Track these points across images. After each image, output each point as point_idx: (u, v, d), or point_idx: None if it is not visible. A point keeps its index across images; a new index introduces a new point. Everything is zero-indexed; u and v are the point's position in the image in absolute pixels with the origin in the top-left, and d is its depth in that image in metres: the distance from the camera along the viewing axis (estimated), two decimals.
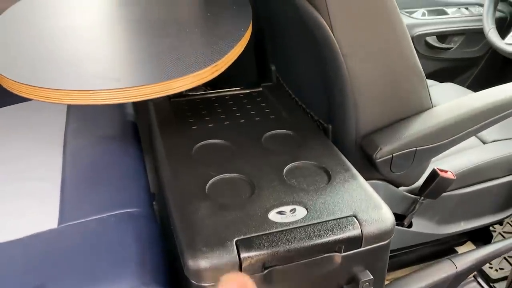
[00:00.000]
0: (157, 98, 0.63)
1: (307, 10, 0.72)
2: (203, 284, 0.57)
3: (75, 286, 0.57)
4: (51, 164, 0.81)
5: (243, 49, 0.69)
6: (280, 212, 0.63)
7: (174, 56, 0.63)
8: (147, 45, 0.69)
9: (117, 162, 0.82)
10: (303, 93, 0.95)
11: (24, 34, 0.76)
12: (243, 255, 0.57)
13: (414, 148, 0.80)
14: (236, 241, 0.58)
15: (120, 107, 1.00)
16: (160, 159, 0.76)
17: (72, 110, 0.98)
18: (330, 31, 0.71)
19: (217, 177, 0.70)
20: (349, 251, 0.62)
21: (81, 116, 0.96)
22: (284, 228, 0.60)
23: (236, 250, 0.57)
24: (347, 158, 0.75)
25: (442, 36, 1.54)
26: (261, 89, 1.00)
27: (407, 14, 1.50)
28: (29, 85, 0.56)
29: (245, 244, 0.57)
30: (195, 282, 0.57)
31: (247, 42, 0.69)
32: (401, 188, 0.93)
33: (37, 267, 0.60)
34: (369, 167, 0.82)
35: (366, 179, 0.71)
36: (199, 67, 0.60)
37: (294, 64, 0.96)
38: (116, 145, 0.87)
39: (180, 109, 0.90)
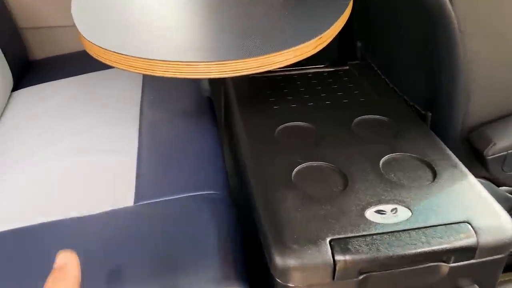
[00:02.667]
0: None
1: None
2: (289, 285, 0.51)
3: (153, 273, 0.53)
4: (127, 137, 0.78)
5: (345, 21, 0.60)
6: (379, 211, 0.55)
7: (273, 28, 0.56)
8: (242, 16, 0.62)
9: (193, 140, 0.77)
10: (398, 74, 0.85)
11: (113, 1, 0.72)
12: (337, 257, 0.50)
13: None
14: (330, 241, 0.51)
15: (195, 81, 0.95)
16: (240, 140, 0.70)
17: (147, 82, 0.95)
18: (448, 3, 0.60)
19: (304, 165, 0.63)
20: (459, 262, 0.53)
21: (156, 88, 0.92)
22: (385, 230, 0.52)
23: (330, 251, 0.50)
24: None
25: None
26: (347, 67, 0.90)
27: None
28: (119, 54, 0.52)
29: (341, 245, 0.50)
30: (281, 282, 0.51)
31: (350, 13, 0.61)
32: (502, 188, 0.81)
33: (113, 247, 0.58)
34: (473, 164, 0.71)
35: None
36: (302, 40, 0.52)
37: (388, 42, 0.85)
38: (192, 121, 0.83)
39: (260, 87, 0.84)
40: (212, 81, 0.97)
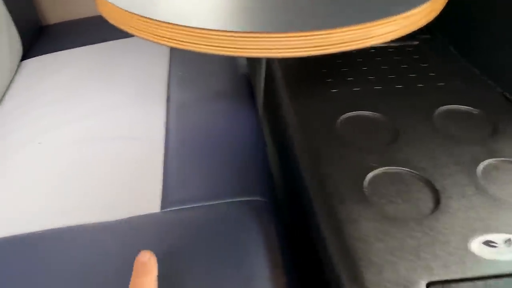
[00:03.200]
0: None
1: None
2: None
3: None
4: (151, 122, 0.65)
5: None
6: (488, 243, 0.41)
7: None
8: None
9: (230, 128, 0.64)
10: (484, 53, 0.68)
11: None
12: None
13: None
14: (428, 285, 0.37)
15: (230, 57, 0.80)
16: (292, 133, 0.56)
17: (175, 52, 0.81)
18: None
19: (378, 170, 0.49)
20: None
21: (185, 62, 0.78)
22: (501, 271, 0.38)
23: None
24: None
25: None
26: (417, 42, 0.74)
27: None
28: (147, 19, 0.37)
29: None
30: None
31: None
32: None
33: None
34: None
35: None
36: (409, 5, 0.37)
37: (475, 15, 0.68)
38: (228, 104, 0.69)
39: (313, 65, 0.69)
40: (250, 58, 0.82)
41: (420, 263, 0.39)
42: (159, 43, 0.42)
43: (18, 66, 0.86)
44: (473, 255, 0.40)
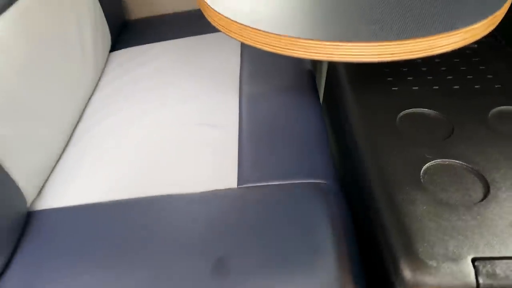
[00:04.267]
0: None
1: None
2: None
3: (260, 264, 0.49)
4: (227, 110, 0.74)
5: None
6: None
7: (435, 6, 0.46)
8: None
9: (296, 119, 0.71)
10: None
11: None
12: (482, 281, 0.42)
13: None
14: (473, 260, 0.43)
15: None
16: (354, 126, 0.63)
17: (246, 50, 0.89)
18: None
19: (434, 162, 0.55)
20: None
21: (255, 58, 0.86)
22: None
23: (473, 272, 0.43)
24: None
25: None
26: (476, 46, 0.78)
27: None
28: (254, 29, 0.46)
29: (487, 267, 0.43)
30: None
31: None
32: None
33: (218, 235, 0.54)
34: None
35: None
36: (472, 19, 0.43)
37: None
38: (294, 97, 0.76)
39: (375, 63, 0.75)
40: None
41: (467, 242, 0.45)
42: (262, 48, 0.50)
43: (108, 56, 0.98)
44: None
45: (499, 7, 0.44)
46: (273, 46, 0.46)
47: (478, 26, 0.43)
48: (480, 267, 0.43)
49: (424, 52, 0.42)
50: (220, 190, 0.60)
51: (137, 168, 0.65)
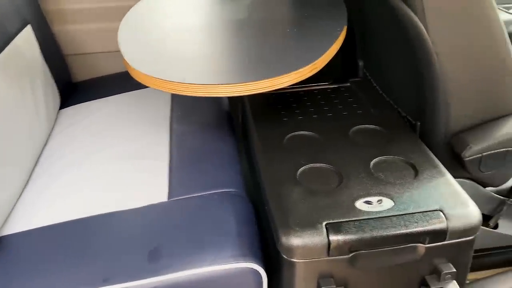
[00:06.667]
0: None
1: (402, 10, 0.75)
2: (293, 260, 0.63)
3: (184, 250, 0.67)
4: (160, 146, 0.92)
5: (338, 48, 0.73)
6: (367, 202, 0.68)
7: (277, 55, 0.70)
8: (253, 44, 0.77)
9: (216, 148, 0.91)
10: (392, 89, 0.97)
11: (149, 32, 0.88)
12: (331, 237, 0.62)
13: (506, 149, 0.80)
14: (326, 224, 0.64)
15: (216, 99, 1.10)
16: (255, 147, 0.84)
17: (176, 99, 1.10)
18: (424, 30, 0.73)
19: (307, 166, 0.76)
20: (434, 243, 0.65)
21: (183, 105, 1.07)
22: (371, 216, 0.65)
23: (325, 232, 0.63)
24: (434, 155, 0.77)
25: None
26: (348, 84, 1.04)
27: (505, 9, 1.43)
28: (158, 78, 0.66)
29: (334, 228, 0.63)
30: (286, 257, 0.64)
31: (342, 41, 0.74)
32: (489, 188, 0.92)
33: (152, 233, 0.71)
34: (457, 166, 0.83)
35: (454, 177, 0.72)
36: (300, 65, 0.66)
37: (384, 61, 0.98)
38: (214, 132, 0.97)
39: (272, 102, 0.98)
40: (231, 99, 1.11)
41: (324, 213, 0.65)
42: (167, 91, 0.71)
43: (58, 113, 1.15)
44: (356, 209, 0.66)
45: (319, 56, 0.68)
46: (179, 90, 0.67)
47: (304, 70, 0.66)
48: (330, 228, 0.63)
49: (270, 88, 0.65)
50: (154, 204, 0.78)
51: (84, 194, 0.81)
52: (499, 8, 1.34)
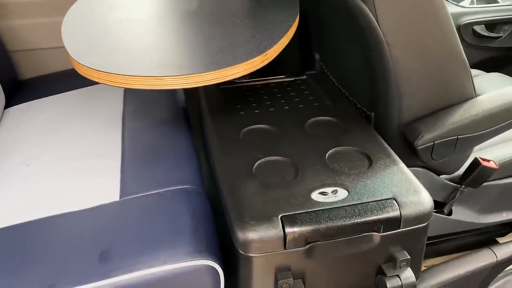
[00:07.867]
0: (208, 85, 0.69)
1: (353, 1, 0.75)
2: (249, 255, 0.62)
3: (137, 250, 0.64)
4: (111, 143, 0.89)
5: (290, 39, 0.73)
6: (322, 193, 0.67)
7: (227, 46, 0.68)
8: (202, 36, 0.75)
9: (171, 144, 0.89)
10: (347, 81, 0.98)
11: (94, 25, 0.84)
12: (287, 230, 0.61)
13: (456, 136, 0.82)
14: (281, 217, 0.63)
15: (172, 94, 1.07)
16: (210, 142, 0.82)
17: (128, 95, 1.06)
18: (374, 20, 0.74)
19: (263, 160, 0.75)
20: (388, 231, 0.65)
21: (136, 101, 1.03)
22: (326, 207, 0.64)
23: (281, 225, 0.62)
24: (389, 145, 0.78)
25: (491, 25, 1.50)
26: (305, 77, 1.03)
27: (454, 2, 1.48)
28: (102, 71, 0.63)
29: (290, 220, 0.62)
30: (242, 252, 0.62)
31: (294, 32, 0.73)
32: (442, 176, 0.94)
33: (103, 234, 0.68)
34: (410, 154, 0.84)
35: (408, 166, 0.73)
36: (250, 56, 0.65)
37: (338, 53, 0.98)
38: (170, 128, 0.94)
39: (229, 96, 0.96)
40: (187, 94, 1.08)
41: (279, 206, 0.64)
42: (114, 86, 0.68)
43: (2, 113, 1.09)
44: (312, 200, 0.66)
45: (270, 47, 0.67)
46: (124, 83, 0.64)
47: (254, 61, 0.65)
48: (285, 221, 0.62)
49: (220, 79, 0.63)
50: (105, 204, 0.74)
51: (31, 196, 0.77)
52: (449, 1, 1.39)
